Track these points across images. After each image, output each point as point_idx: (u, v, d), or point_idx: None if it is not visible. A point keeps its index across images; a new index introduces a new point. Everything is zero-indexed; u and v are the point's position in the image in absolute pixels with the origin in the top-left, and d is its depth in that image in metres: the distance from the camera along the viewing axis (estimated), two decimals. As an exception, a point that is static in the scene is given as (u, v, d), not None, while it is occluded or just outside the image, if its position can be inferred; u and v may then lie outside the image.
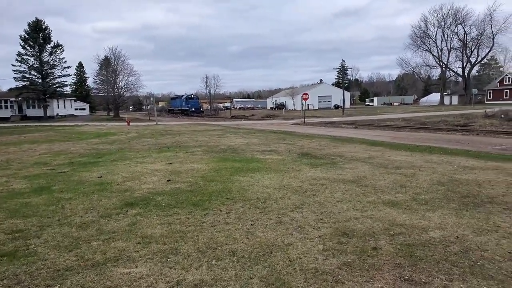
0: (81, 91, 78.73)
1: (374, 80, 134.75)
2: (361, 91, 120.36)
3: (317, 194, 6.04)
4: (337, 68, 54.17)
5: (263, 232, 4.30)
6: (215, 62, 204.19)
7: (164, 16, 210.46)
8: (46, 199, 6.10)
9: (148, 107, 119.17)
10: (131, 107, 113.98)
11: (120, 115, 69.74)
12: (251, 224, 4.58)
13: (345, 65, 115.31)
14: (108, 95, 56.35)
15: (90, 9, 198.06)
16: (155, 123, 35.28)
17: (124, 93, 56.20)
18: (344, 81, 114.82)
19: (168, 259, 3.58)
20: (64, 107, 58.33)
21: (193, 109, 60.81)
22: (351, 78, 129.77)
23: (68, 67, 50.02)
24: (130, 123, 36.15)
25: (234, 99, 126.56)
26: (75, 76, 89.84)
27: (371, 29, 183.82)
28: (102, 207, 5.54)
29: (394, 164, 9.14)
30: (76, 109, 68.77)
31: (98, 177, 7.95)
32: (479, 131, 21.28)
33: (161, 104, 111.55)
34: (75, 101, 73.40)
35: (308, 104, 75.58)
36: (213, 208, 5.31)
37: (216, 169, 8.45)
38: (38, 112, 49.87)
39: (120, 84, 55.87)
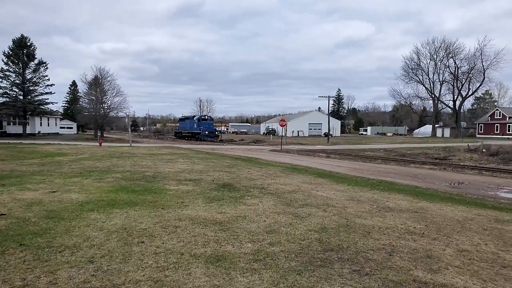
0: (72, 110, 78.42)
1: (369, 110, 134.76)
2: (356, 120, 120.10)
3: (154, 240, 4.89)
4: (324, 96, 53.60)
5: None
6: (217, 87, 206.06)
7: (168, 41, 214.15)
8: None
9: (142, 128, 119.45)
10: (131, 128, 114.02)
11: (108, 135, 69.20)
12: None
13: (341, 94, 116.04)
14: (95, 114, 55.63)
15: (97, 30, 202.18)
16: (129, 144, 34.30)
17: (109, 112, 55.42)
18: (339, 110, 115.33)
19: None
20: (48, 125, 57.56)
21: (206, 132, 50.27)
22: (348, 107, 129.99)
23: (51, 85, 49.59)
24: (104, 144, 35.17)
25: (230, 124, 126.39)
26: (67, 95, 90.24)
27: (372, 59, 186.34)
28: None
29: (307, 201, 8.05)
30: (62, 128, 68.12)
31: None
32: (448, 165, 20.23)
33: (170, 125, 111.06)
34: (61, 119, 72.93)
35: (298, 131, 75.12)
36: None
37: (88, 202, 7.31)
38: (18, 129, 49.04)
39: (105, 104, 55.24)
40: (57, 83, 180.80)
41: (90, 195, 7.98)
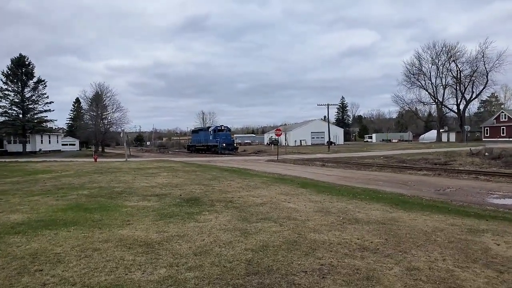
0: (76, 127, 78.88)
1: (374, 117, 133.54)
2: (361, 127, 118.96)
3: (56, 267, 4.34)
4: (323, 105, 52.95)
5: None
6: (222, 99, 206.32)
7: (174, 54, 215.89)
8: None
9: (148, 143, 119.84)
10: (136, 142, 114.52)
11: (110, 150, 69.40)
12: None
13: (345, 102, 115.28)
14: (95, 130, 55.76)
15: (104, 47, 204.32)
16: (125, 159, 34.00)
17: (109, 128, 55.53)
18: (343, 118, 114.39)
19: None
20: (49, 143, 57.72)
21: (224, 144, 45.39)
22: (353, 115, 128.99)
23: (50, 103, 49.82)
24: (101, 159, 34.96)
25: (235, 135, 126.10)
26: (71, 112, 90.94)
27: (377, 67, 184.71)
28: None
29: (268, 215, 7.46)
30: (64, 145, 68.37)
31: None
32: (444, 170, 19.43)
33: (182, 138, 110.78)
34: (65, 136, 73.37)
35: (300, 140, 74.43)
36: None
37: (23, 223, 6.71)
38: (18, 147, 49.20)
39: (106, 120, 55.42)
40: (65, 102, 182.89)
41: (34, 215, 7.48)
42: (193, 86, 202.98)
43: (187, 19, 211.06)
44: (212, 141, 47.74)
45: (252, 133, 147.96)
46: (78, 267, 4.34)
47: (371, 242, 5.47)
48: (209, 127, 52.39)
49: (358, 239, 5.62)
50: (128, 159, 34.08)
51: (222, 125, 49.95)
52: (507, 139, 58.53)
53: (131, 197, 10.02)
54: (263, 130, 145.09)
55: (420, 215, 7.66)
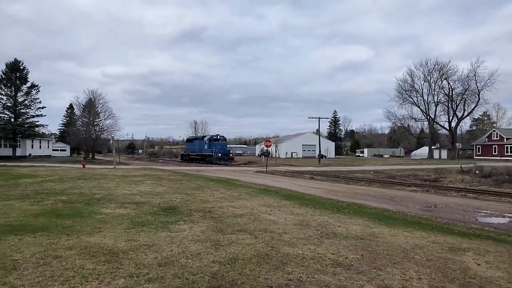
0: (68, 133, 78.15)
1: (366, 132, 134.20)
2: (353, 142, 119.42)
3: (8, 275, 4.09)
4: (314, 118, 53.06)
5: None
6: (217, 109, 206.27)
7: (171, 63, 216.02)
8: None
9: (140, 151, 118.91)
10: (128, 150, 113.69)
11: (101, 157, 68.60)
12: None
13: (337, 116, 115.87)
14: (86, 136, 55.19)
15: (100, 54, 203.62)
16: (113, 166, 33.60)
17: (101, 134, 55.00)
18: (335, 132, 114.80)
19: None
20: (40, 148, 57.03)
21: (219, 154, 44.07)
22: (346, 129, 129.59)
23: (42, 108, 49.35)
24: (90, 166, 34.52)
25: (228, 145, 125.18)
26: (64, 118, 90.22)
27: (370, 83, 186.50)
28: None
29: (245, 226, 7.24)
30: (55, 150, 67.62)
31: None
32: (432, 187, 19.37)
33: (174, 147, 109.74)
34: (56, 141, 72.61)
35: (291, 152, 74.41)
36: None
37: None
38: (8, 151, 48.48)
39: (98, 127, 54.93)
40: (61, 107, 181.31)
41: (2, 220, 7.22)
42: (188, 96, 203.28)
43: (184, 30, 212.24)
44: (207, 150, 46.61)
45: (244, 144, 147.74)
46: (33, 275, 4.09)
47: (346, 257, 5.27)
48: (204, 136, 51.01)
49: (333, 254, 5.43)
50: (116, 167, 33.67)
51: (218, 135, 48.43)
52: (499, 157, 59.01)
53: (109, 204, 9.75)
54: (255, 141, 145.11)
55: (402, 231, 7.49)
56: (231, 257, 5.00)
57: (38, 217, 7.57)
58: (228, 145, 51.33)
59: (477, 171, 29.15)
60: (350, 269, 4.74)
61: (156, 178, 19.40)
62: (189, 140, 57.74)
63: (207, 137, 48.48)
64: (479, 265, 5.18)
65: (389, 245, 6.17)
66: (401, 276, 4.54)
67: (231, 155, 47.13)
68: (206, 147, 46.92)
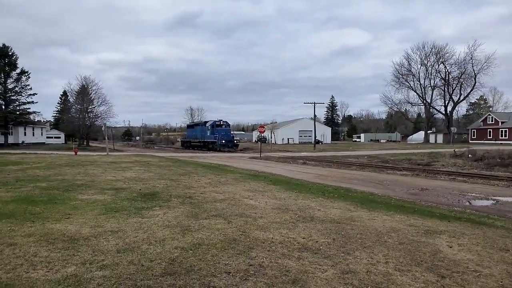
0: (62, 120, 77.57)
1: (363, 117, 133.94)
2: (350, 127, 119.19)
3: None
4: (309, 103, 52.61)
5: None
6: (214, 96, 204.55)
7: (166, 50, 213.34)
8: None
9: (137, 138, 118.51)
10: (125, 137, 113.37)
11: (96, 144, 68.32)
12: None
13: (334, 101, 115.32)
14: (80, 123, 54.76)
15: (95, 41, 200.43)
16: (106, 153, 33.39)
17: (95, 121, 54.58)
18: (333, 117, 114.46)
19: None
20: (33, 135, 56.61)
21: (223, 141, 41.59)
22: (343, 115, 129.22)
23: (33, 94, 48.76)
24: (83, 153, 34.31)
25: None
26: (58, 105, 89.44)
27: (368, 67, 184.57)
28: None
29: (223, 211, 7.12)
30: (50, 137, 67.20)
31: None
32: (423, 170, 19.27)
33: (171, 134, 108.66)
34: (51, 128, 72.12)
35: (288, 138, 74.22)
36: None
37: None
38: (0, 139, 48.12)
39: (92, 114, 54.48)
40: (55, 95, 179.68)
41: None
42: (185, 82, 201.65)
43: (179, 16, 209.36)
44: (209, 137, 44.02)
45: (242, 131, 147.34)
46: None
47: (316, 241, 5.14)
48: (206, 121, 47.83)
49: (304, 238, 5.29)
50: (109, 153, 33.47)
51: (221, 120, 45.21)
52: (494, 141, 59.04)
53: (88, 190, 9.59)
54: (253, 128, 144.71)
55: (382, 215, 7.38)
56: (196, 243, 4.86)
57: (8, 204, 7.40)
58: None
59: (469, 155, 29.10)
60: (317, 254, 4.60)
61: (145, 164, 19.23)
62: (190, 127, 55.03)
63: (210, 122, 45.57)
64: (451, 247, 5.06)
65: (365, 228, 6.04)
66: (368, 260, 4.41)
67: (235, 141, 44.93)
68: (208, 133, 44.42)
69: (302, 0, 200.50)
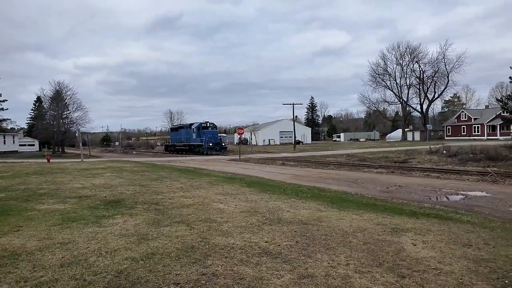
0: (37, 126, 75.26)
1: (343, 117, 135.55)
2: (330, 127, 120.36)
3: None
4: (288, 104, 52.71)
5: None
6: (196, 98, 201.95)
7: (146, 53, 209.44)
8: None
9: (117, 143, 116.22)
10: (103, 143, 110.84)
11: (72, 151, 66.48)
12: None
13: (314, 102, 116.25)
14: (54, 129, 53.19)
15: (72, 45, 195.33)
16: (80, 160, 32.45)
17: (70, 127, 53.10)
18: (313, 117, 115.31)
19: None
20: (4, 143, 54.65)
21: (210, 144, 39.70)
22: (323, 115, 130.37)
23: (3, 101, 47.09)
24: (56, 160, 33.25)
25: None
26: (32, 111, 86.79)
27: (349, 67, 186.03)
28: None
29: (188, 217, 6.84)
30: (23, 145, 65.08)
31: None
32: (398, 168, 19.47)
33: (151, 138, 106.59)
34: (24, 136, 69.91)
35: (269, 139, 74.26)
36: None
37: None
38: (-32, 148, 46.25)
39: (66, 120, 53.02)
40: (29, 101, 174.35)
41: None
42: (166, 85, 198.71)
43: (160, 18, 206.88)
44: (195, 140, 41.87)
45: (224, 133, 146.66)
46: None
47: (279, 245, 4.95)
48: (191, 124, 45.39)
49: (266, 242, 5.09)
50: (84, 160, 32.55)
51: (207, 122, 43.05)
52: (467, 137, 60.62)
53: (49, 199, 9.14)
54: (235, 130, 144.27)
55: (351, 214, 7.27)
56: (150, 252, 4.59)
57: (-43, 217, 6.93)
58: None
59: (444, 151, 29.66)
60: (277, 258, 4.41)
61: (118, 170, 18.69)
62: (174, 129, 52.43)
63: (195, 124, 43.27)
64: (415, 245, 4.96)
65: (331, 229, 5.90)
66: (328, 263, 4.24)
67: (223, 144, 43.04)
68: (194, 136, 42.29)
69: (283, 1, 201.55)
